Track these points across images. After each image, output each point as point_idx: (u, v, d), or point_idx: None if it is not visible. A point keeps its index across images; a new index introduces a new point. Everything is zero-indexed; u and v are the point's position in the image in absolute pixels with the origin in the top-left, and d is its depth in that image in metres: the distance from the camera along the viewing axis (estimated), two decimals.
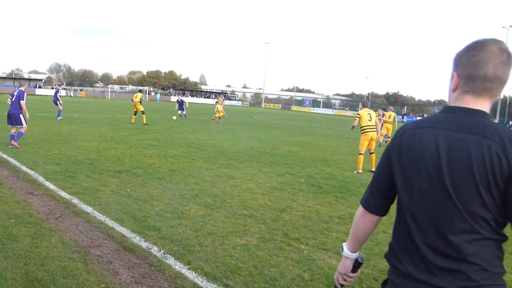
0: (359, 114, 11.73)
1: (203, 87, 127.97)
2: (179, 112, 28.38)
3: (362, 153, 11.55)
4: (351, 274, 2.00)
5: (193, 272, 4.15)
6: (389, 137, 20.67)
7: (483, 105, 1.64)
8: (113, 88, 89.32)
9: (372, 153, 11.81)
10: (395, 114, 21.72)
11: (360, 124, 11.64)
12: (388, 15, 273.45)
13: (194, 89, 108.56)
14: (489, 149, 1.52)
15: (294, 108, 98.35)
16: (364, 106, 12.10)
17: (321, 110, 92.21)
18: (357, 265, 2.00)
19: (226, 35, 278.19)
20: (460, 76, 1.67)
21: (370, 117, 11.56)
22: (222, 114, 27.25)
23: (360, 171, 11.31)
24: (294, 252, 4.93)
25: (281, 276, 4.22)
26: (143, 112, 22.21)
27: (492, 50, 1.60)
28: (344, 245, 2.03)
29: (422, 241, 1.63)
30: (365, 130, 11.49)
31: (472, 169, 1.53)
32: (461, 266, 1.55)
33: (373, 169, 11.28)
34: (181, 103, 28.51)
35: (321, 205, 7.24)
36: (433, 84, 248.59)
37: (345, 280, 2.01)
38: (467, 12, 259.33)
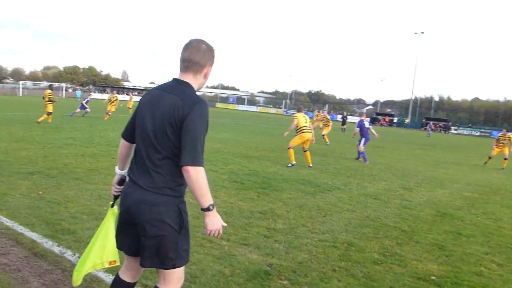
0: (296, 116, 12.66)
1: (126, 84, 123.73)
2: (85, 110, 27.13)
3: (292, 147, 12.36)
4: (118, 187, 2.86)
5: (110, 275, 4.01)
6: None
7: (187, 78, 2.59)
8: (25, 84, 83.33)
9: (306, 150, 12.58)
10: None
11: (297, 126, 12.52)
12: (311, 15, 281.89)
13: (115, 86, 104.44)
14: (175, 102, 2.45)
15: (218, 105, 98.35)
16: (299, 111, 13.05)
17: (245, 107, 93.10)
18: (121, 180, 2.85)
19: (149, 30, 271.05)
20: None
21: (306, 119, 12.56)
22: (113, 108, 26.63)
23: (294, 163, 12.14)
24: (215, 248, 4.95)
25: (201, 273, 4.21)
26: (48, 113, 19.70)
27: (192, 44, 2.59)
28: (116, 166, 2.89)
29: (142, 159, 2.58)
30: (303, 131, 12.41)
31: (163, 113, 2.46)
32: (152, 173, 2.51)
33: (311, 165, 12.37)
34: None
35: (243, 201, 7.32)
36: (353, 84, 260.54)
37: (115, 191, 2.88)
38: (383, 17, 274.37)
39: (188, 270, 4.25)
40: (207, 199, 2.45)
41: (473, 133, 66.24)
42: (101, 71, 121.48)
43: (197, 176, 2.39)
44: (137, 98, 72.87)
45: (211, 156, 12.62)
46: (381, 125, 72.40)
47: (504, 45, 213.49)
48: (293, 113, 16.10)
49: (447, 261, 5.24)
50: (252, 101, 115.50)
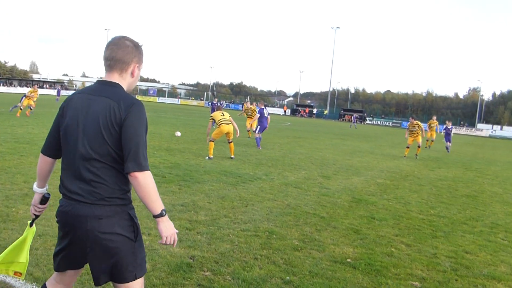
0: (211, 116, 12.89)
1: (35, 76, 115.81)
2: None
3: (213, 140, 12.32)
4: (40, 206, 2.66)
5: (20, 280, 3.75)
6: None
7: (113, 77, 2.41)
8: None
9: (231, 142, 12.71)
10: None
11: (215, 123, 12.63)
12: (232, 7, 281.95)
13: (23, 78, 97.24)
14: (109, 105, 2.27)
15: (138, 97, 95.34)
16: (217, 109, 13.24)
17: (166, 100, 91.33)
18: (44, 199, 2.62)
19: (61, 19, 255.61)
20: None
21: (223, 114, 12.69)
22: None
23: (211, 157, 11.99)
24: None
25: None
26: None
27: (113, 41, 2.42)
28: (34, 183, 2.64)
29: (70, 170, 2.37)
30: (220, 123, 12.48)
31: (97, 119, 2.27)
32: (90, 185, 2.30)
33: (233, 156, 12.55)
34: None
35: (164, 194, 7.18)
36: (274, 76, 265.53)
37: (36, 211, 2.67)
38: (302, 10, 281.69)
39: None
40: (158, 205, 2.30)
41: (386, 123, 70.42)
42: (5, 62, 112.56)
43: (145, 182, 2.24)
44: (49, 92, 68.69)
45: None
46: (302, 116, 74.56)
47: (413, 41, 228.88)
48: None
49: (362, 244, 5.53)
50: (173, 93, 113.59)
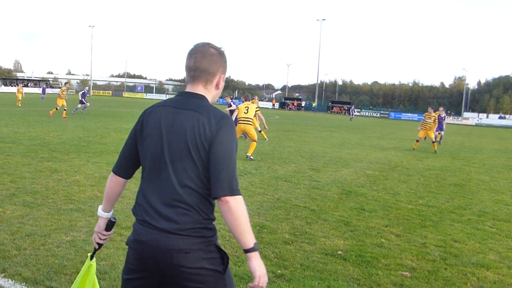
0: (238, 107, 12.76)
1: (19, 75, 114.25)
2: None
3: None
4: (105, 233, 2.28)
5: (9, 280, 3.72)
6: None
7: (198, 89, 2.10)
8: None
9: (253, 141, 12.03)
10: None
11: (237, 116, 12.31)
12: (217, 0, 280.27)
13: (7, 77, 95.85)
14: (198, 119, 1.96)
15: (126, 94, 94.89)
16: (245, 100, 12.59)
17: (154, 96, 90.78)
18: (110, 224, 2.26)
19: (44, 16, 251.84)
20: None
21: (247, 110, 11.99)
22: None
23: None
24: (125, 242, 4.78)
25: (111, 268, 4.06)
26: None
27: (197, 49, 2.10)
28: (100, 206, 2.29)
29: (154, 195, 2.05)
30: (239, 122, 12.00)
31: (183, 134, 1.97)
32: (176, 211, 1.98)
33: (249, 155, 11.76)
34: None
35: None
36: (262, 69, 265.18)
37: (100, 238, 2.29)
38: (287, 3, 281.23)
39: (96, 266, 4.06)
40: (250, 237, 1.95)
41: (374, 114, 70.84)
42: None
43: (237, 208, 1.92)
44: (34, 90, 67.45)
45: (119, 147, 12.05)
46: (290, 109, 74.66)
47: (399, 32, 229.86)
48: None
49: (352, 236, 5.57)
50: (160, 89, 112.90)
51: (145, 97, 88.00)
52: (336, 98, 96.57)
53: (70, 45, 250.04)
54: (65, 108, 23.62)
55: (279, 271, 4.26)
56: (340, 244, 5.21)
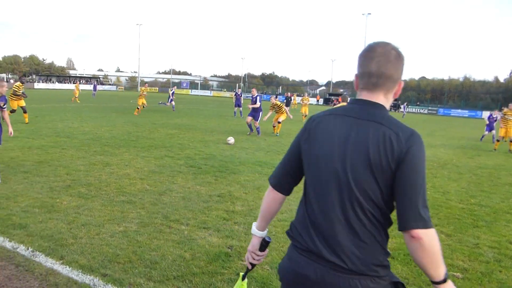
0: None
1: (72, 72, 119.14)
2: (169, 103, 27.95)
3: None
4: (259, 253, 2.05)
5: (67, 267, 3.91)
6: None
7: (378, 98, 1.76)
8: None
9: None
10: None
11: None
12: None
13: (61, 75, 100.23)
14: (384, 134, 1.64)
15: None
16: (343, 101, 12.02)
17: (199, 92, 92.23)
18: (264, 244, 2.03)
19: (94, 16, 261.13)
20: (357, 76, 1.82)
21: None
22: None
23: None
24: (174, 233, 4.92)
25: (162, 259, 4.19)
26: (24, 110, 16.31)
27: (377, 50, 1.75)
28: (254, 224, 2.07)
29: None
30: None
31: (364, 149, 1.64)
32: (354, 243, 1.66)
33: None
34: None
35: (201, 185, 7.30)
36: (306, 65, 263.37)
37: (254, 259, 2.07)
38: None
39: (147, 256, 4.22)
40: (442, 269, 1.64)
41: (421, 111, 68.68)
42: (44, 60, 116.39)
43: (431, 243, 1.58)
44: (85, 87, 70.10)
45: (166, 142, 12.45)
46: (334, 105, 73.70)
47: (449, 24, 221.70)
48: (250, 96, 17.41)
49: (400, 234, 5.42)
50: (205, 85, 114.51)
51: (190, 93, 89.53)
52: None
53: (118, 43, 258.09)
54: (145, 106, 24.61)
55: None
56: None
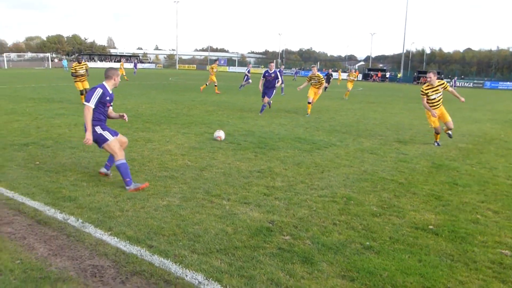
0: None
1: (112, 51, 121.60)
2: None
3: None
4: None
5: (115, 238, 4.07)
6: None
7: None
8: (10, 56, 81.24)
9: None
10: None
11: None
12: None
13: (102, 53, 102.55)
14: None
15: (208, 67, 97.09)
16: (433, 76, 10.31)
17: (236, 69, 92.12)
18: None
19: None
20: None
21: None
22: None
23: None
24: (216, 208, 5.01)
25: (204, 232, 4.28)
26: (81, 93, 16.12)
27: None
28: None
29: None
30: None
31: None
32: None
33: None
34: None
35: (241, 161, 7.36)
36: (344, 40, 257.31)
37: None
38: None
39: (191, 229, 4.32)
40: None
41: (466, 84, 66.06)
42: (85, 39, 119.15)
43: None
44: (126, 65, 71.41)
45: (206, 119, 12.58)
46: (374, 80, 72.04)
47: None
48: (265, 72, 15.08)
49: (444, 211, 5.34)
50: (242, 62, 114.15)
51: (227, 70, 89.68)
52: (423, 68, 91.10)
53: (156, 21, 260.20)
54: (216, 84, 24.61)
55: (368, 243, 4.22)
56: (431, 218, 5.02)
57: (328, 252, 3.98)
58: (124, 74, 34.79)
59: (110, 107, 6.05)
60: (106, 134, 5.74)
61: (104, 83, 5.83)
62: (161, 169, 6.62)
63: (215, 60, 32.54)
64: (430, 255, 4.02)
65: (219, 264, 3.64)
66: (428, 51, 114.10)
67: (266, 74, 14.85)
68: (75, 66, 16.09)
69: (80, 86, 16.03)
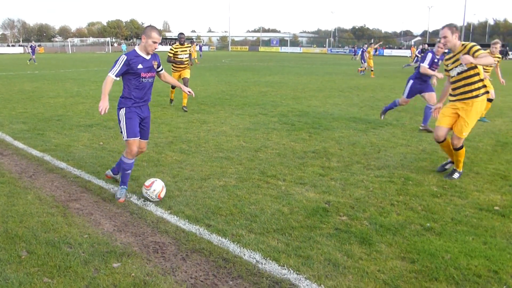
0: None
1: (167, 34, 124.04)
2: None
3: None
4: None
5: (175, 216, 4.21)
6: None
7: None
8: (73, 41, 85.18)
9: None
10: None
11: None
12: None
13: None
14: None
15: (261, 49, 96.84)
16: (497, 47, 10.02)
17: (288, 49, 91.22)
18: None
19: None
20: None
21: None
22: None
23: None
24: (272, 188, 5.04)
25: (261, 212, 4.33)
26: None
27: None
28: None
29: None
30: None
31: None
32: None
33: None
34: None
35: (295, 142, 7.33)
36: (399, 15, 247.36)
37: None
38: None
39: (247, 210, 4.39)
40: None
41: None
42: (143, 23, 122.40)
43: None
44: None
45: (259, 100, 12.61)
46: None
47: None
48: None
49: (511, 191, 5.07)
50: (294, 42, 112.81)
51: (280, 51, 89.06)
52: (485, 40, 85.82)
53: (209, 3, 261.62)
54: (372, 69, 23.79)
55: (428, 224, 4.10)
56: (496, 199, 4.79)
57: (387, 233, 3.90)
58: (196, 57, 35.45)
59: (162, 72, 5.12)
60: (124, 126, 4.75)
61: (135, 48, 4.75)
62: (217, 150, 6.73)
63: (371, 43, 27.98)
64: (496, 237, 3.85)
65: (276, 244, 3.67)
66: (491, 22, 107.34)
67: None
68: (175, 48, 10.83)
69: (176, 76, 10.92)
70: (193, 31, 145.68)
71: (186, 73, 10.96)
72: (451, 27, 5.35)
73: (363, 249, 3.61)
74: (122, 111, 4.78)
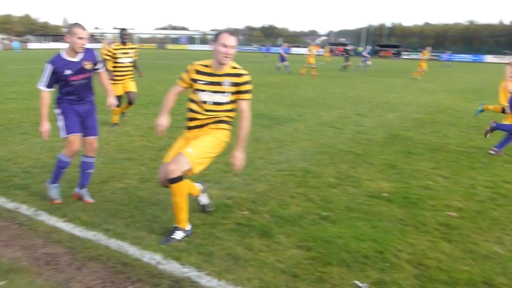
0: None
1: (65, 30, 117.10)
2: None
3: None
4: None
5: (70, 224, 4.00)
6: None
7: None
8: None
9: None
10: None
11: None
12: None
13: (57, 34, 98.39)
14: None
15: (169, 46, 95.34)
16: None
17: (198, 47, 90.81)
18: None
19: None
20: None
21: None
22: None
23: None
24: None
25: (163, 213, 4.27)
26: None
27: None
28: None
29: None
30: None
31: None
32: None
33: None
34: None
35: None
36: (306, 15, 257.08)
37: None
38: None
39: (149, 211, 4.31)
40: None
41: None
42: (37, 19, 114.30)
43: None
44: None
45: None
46: (335, 55, 72.58)
47: None
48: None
49: (398, 179, 5.52)
50: (204, 40, 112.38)
51: (188, 49, 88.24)
52: (384, 41, 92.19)
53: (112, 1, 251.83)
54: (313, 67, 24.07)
55: (324, 213, 4.32)
56: (385, 186, 5.19)
57: (286, 224, 4.06)
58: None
59: (99, 71, 4.56)
60: (62, 124, 4.43)
61: (60, 51, 4.30)
62: (119, 151, 6.51)
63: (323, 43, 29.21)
64: (383, 221, 4.17)
65: (178, 243, 3.65)
66: (389, 25, 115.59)
67: None
68: (113, 49, 8.47)
69: (119, 90, 8.53)
70: (96, 28, 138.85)
71: (131, 86, 8.69)
72: None
73: (263, 241, 3.72)
74: (59, 110, 4.43)
